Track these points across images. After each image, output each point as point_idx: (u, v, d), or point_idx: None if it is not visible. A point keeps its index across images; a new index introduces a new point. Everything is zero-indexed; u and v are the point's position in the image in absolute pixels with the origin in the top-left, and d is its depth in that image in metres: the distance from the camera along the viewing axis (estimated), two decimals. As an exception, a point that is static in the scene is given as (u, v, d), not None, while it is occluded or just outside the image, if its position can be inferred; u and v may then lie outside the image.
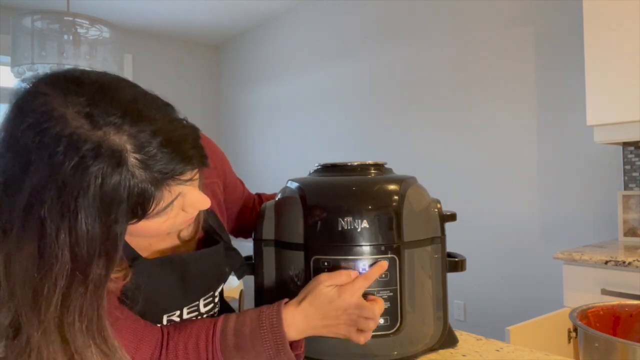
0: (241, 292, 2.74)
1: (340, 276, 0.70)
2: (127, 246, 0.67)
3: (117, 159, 0.48)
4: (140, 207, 0.52)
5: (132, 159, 0.50)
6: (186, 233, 0.75)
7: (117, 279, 0.62)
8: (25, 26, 2.32)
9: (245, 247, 0.83)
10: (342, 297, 0.68)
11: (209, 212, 0.79)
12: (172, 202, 0.56)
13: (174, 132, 0.54)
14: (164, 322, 0.72)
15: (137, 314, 0.67)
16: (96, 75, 0.53)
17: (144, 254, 0.70)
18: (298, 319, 0.68)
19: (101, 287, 0.51)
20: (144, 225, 0.57)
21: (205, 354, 0.66)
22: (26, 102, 0.50)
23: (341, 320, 0.69)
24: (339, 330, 0.69)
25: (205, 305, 0.77)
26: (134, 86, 0.56)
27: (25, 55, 2.33)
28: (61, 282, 0.48)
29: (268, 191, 1.11)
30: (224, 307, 0.90)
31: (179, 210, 0.59)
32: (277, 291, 0.81)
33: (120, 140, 0.49)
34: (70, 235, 0.47)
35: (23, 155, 0.48)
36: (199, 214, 0.73)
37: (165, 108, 0.56)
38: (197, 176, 0.59)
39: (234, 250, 0.82)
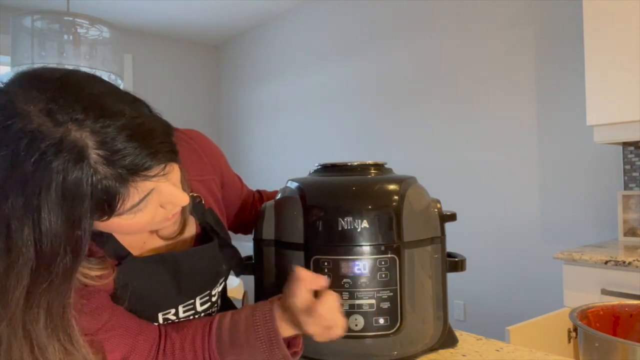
0: (245, 293, 2.74)
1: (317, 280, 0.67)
2: (117, 244, 0.66)
3: (79, 155, 0.48)
4: (106, 203, 0.51)
5: (95, 155, 0.49)
6: (170, 231, 0.74)
7: (102, 277, 0.62)
8: (25, 26, 2.32)
9: (245, 247, 0.83)
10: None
11: (206, 210, 0.79)
12: (143, 198, 0.55)
13: (140, 127, 0.53)
14: (160, 320, 0.71)
15: (132, 312, 0.67)
16: (62, 72, 0.53)
17: (137, 252, 0.70)
18: (287, 315, 0.67)
19: (66, 284, 0.51)
20: (119, 222, 0.56)
21: (201, 351, 0.66)
22: None
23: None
24: (311, 331, 0.67)
25: (202, 304, 0.77)
26: (102, 82, 0.55)
27: (25, 55, 2.32)
28: (26, 277, 0.49)
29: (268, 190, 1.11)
30: (228, 306, 0.90)
31: (156, 207, 0.58)
32: (277, 291, 0.81)
33: (82, 136, 0.49)
34: (34, 231, 0.48)
35: None
36: (183, 211, 0.72)
37: (134, 104, 0.55)
38: (169, 171, 0.57)
39: (232, 247, 0.82)
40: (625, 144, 2.18)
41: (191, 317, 0.75)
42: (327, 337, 0.66)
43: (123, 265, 0.66)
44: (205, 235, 0.79)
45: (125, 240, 0.68)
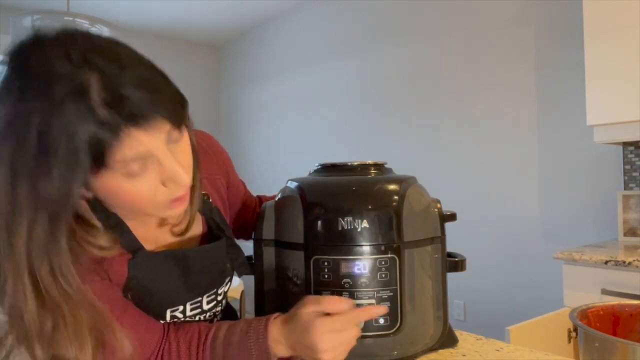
0: (242, 293, 2.74)
1: (328, 304, 0.64)
2: (132, 237, 0.67)
3: (81, 93, 0.50)
4: (98, 145, 0.51)
5: (96, 96, 0.51)
6: (179, 225, 0.74)
7: (107, 248, 0.63)
8: (25, 26, 2.32)
9: (245, 247, 0.83)
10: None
11: (212, 208, 0.79)
12: (140, 158, 0.55)
13: (150, 81, 0.55)
14: (168, 317, 0.72)
15: (141, 307, 0.68)
16: (89, 31, 0.57)
17: (151, 247, 0.71)
18: (282, 337, 0.65)
19: (60, 221, 0.53)
20: (118, 185, 0.56)
21: (195, 358, 0.66)
22: (23, 46, 0.54)
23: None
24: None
25: (208, 303, 0.77)
26: (126, 47, 0.58)
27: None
28: (27, 215, 0.51)
29: (268, 191, 1.11)
30: (227, 308, 0.90)
31: (156, 180, 0.58)
32: (277, 291, 0.81)
33: (90, 76, 0.51)
34: (35, 162, 0.50)
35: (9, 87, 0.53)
36: (192, 206, 0.72)
37: (152, 68, 0.58)
38: (175, 139, 0.59)
39: (236, 246, 0.82)
40: (625, 144, 2.18)
41: (197, 316, 0.76)
42: (337, 349, 0.62)
43: (135, 258, 0.67)
44: (211, 234, 0.79)
45: (140, 234, 0.69)
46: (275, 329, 0.65)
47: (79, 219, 0.61)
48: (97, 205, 0.61)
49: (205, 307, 0.77)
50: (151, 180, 0.58)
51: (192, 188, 0.69)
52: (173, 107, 0.57)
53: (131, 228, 0.67)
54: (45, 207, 0.52)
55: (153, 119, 0.54)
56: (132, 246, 0.67)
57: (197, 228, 0.78)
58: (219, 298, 0.80)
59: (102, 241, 0.62)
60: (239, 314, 0.96)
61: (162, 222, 0.73)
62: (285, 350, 0.65)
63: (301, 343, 0.63)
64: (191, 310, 0.74)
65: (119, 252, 0.65)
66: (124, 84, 0.52)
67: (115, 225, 0.65)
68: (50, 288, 0.53)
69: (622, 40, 1.89)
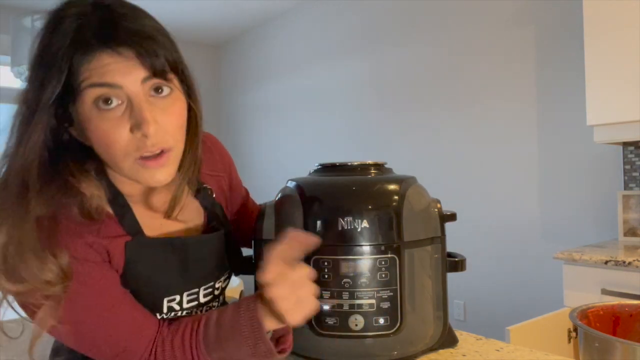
0: (241, 293, 2.74)
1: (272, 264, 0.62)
2: (134, 220, 0.69)
3: (77, 15, 0.59)
4: (72, 60, 0.58)
5: (86, 21, 0.59)
6: (159, 199, 0.74)
7: (93, 196, 0.64)
8: (25, 26, 2.32)
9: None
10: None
11: (215, 202, 0.81)
12: (107, 85, 0.59)
13: (143, 29, 0.61)
14: (165, 308, 0.72)
15: (138, 295, 0.68)
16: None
17: (152, 234, 0.72)
18: (270, 306, 0.64)
19: (43, 115, 0.60)
20: (90, 115, 0.60)
21: (189, 347, 0.65)
22: None
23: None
24: (283, 307, 0.62)
25: (205, 296, 0.77)
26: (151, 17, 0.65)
27: (25, 55, 2.32)
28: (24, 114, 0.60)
29: (267, 190, 1.11)
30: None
31: (124, 121, 0.61)
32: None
33: (71, 10, 0.60)
34: (34, 71, 0.60)
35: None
36: (177, 192, 0.73)
37: (163, 31, 0.64)
38: (151, 84, 0.62)
39: (236, 243, 0.83)
40: (625, 144, 2.18)
41: (194, 310, 0.76)
42: (300, 313, 0.62)
43: (133, 240, 0.67)
44: (212, 229, 0.80)
45: (143, 220, 0.70)
46: (264, 302, 0.64)
47: (75, 166, 0.65)
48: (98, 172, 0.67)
49: (202, 299, 0.77)
50: (119, 119, 0.61)
51: (181, 169, 0.70)
52: (155, 54, 0.61)
53: (136, 215, 0.69)
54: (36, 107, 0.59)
55: (127, 50, 0.59)
56: (133, 229, 0.68)
57: (198, 219, 0.79)
58: (216, 292, 0.80)
59: (93, 187, 0.64)
60: None
61: (151, 195, 0.73)
62: (273, 322, 0.64)
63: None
64: (188, 302, 0.74)
65: (106, 214, 0.66)
66: (118, 16, 0.59)
67: (119, 206, 0.68)
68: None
69: (622, 40, 1.89)
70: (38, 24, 2.32)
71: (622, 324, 0.83)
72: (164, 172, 0.65)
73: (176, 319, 0.71)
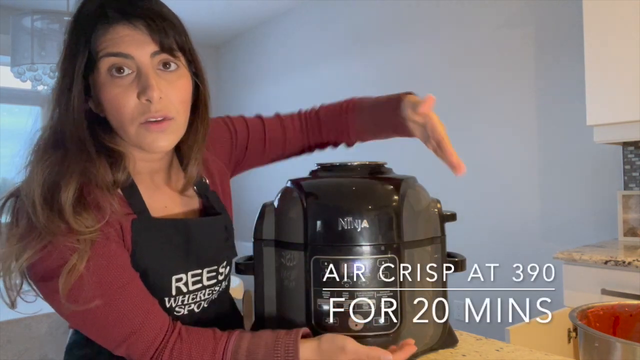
0: (245, 293, 2.73)
1: (367, 355, 0.65)
2: (140, 200, 0.73)
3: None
4: (93, 31, 0.66)
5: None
6: (161, 180, 0.79)
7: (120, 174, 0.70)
8: (25, 26, 2.32)
9: (245, 247, 0.83)
10: None
11: (210, 192, 0.84)
12: (122, 57, 0.66)
13: (161, 10, 0.69)
14: (173, 289, 0.73)
15: (148, 275, 0.70)
16: None
17: (158, 215, 0.75)
18: (313, 354, 0.65)
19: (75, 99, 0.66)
20: (104, 81, 0.67)
21: None
22: None
23: None
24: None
25: (208, 279, 0.79)
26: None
27: (25, 55, 2.33)
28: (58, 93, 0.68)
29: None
30: (231, 305, 0.91)
31: (133, 88, 0.67)
32: (277, 291, 0.81)
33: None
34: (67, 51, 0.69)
35: None
36: (186, 167, 0.78)
37: (179, 18, 0.71)
38: (160, 58, 0.68)
39: (232, 229, 0.86)
40: (625, 144, 2.18)
41: (199, 292, 0.77)
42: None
43: (138, 219, 0.71)
44: (207, 214, 0.83)
45: (148, 202, 0.74)
46: (307, 348, 0.65)
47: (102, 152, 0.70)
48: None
49: (206, 282, 0.78)
50: (128, 86, 0.67)
51: (186, 141, 0.76)
52: (165, 32, 0.67)
53: (142, 195, 0.74)
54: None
55: (141, 24, 0.66)
56: (139, 208, 0.72)
57: (194, 204, 0.83)
58: (220, 277, 0.81)
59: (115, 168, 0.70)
60: (242, 314, 0.96)
61: (156, 174, 0.78)
62: None
63: None
64: (193, 284, 0.76)
65: (116, 193, 0.70)
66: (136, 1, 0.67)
67: (128, 187, 0.72)
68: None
69: (622, 40, 1.89)
70: (38, 24, 2.32)
71: (622, 324, 0.83)
72: (165, 139, 0.70)
73: (196, 328, 0.71)
